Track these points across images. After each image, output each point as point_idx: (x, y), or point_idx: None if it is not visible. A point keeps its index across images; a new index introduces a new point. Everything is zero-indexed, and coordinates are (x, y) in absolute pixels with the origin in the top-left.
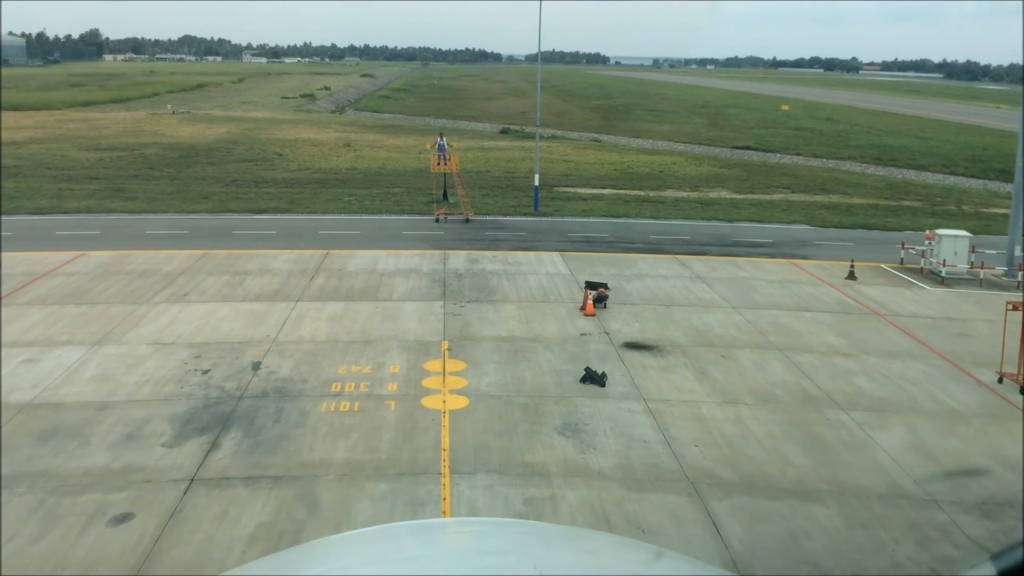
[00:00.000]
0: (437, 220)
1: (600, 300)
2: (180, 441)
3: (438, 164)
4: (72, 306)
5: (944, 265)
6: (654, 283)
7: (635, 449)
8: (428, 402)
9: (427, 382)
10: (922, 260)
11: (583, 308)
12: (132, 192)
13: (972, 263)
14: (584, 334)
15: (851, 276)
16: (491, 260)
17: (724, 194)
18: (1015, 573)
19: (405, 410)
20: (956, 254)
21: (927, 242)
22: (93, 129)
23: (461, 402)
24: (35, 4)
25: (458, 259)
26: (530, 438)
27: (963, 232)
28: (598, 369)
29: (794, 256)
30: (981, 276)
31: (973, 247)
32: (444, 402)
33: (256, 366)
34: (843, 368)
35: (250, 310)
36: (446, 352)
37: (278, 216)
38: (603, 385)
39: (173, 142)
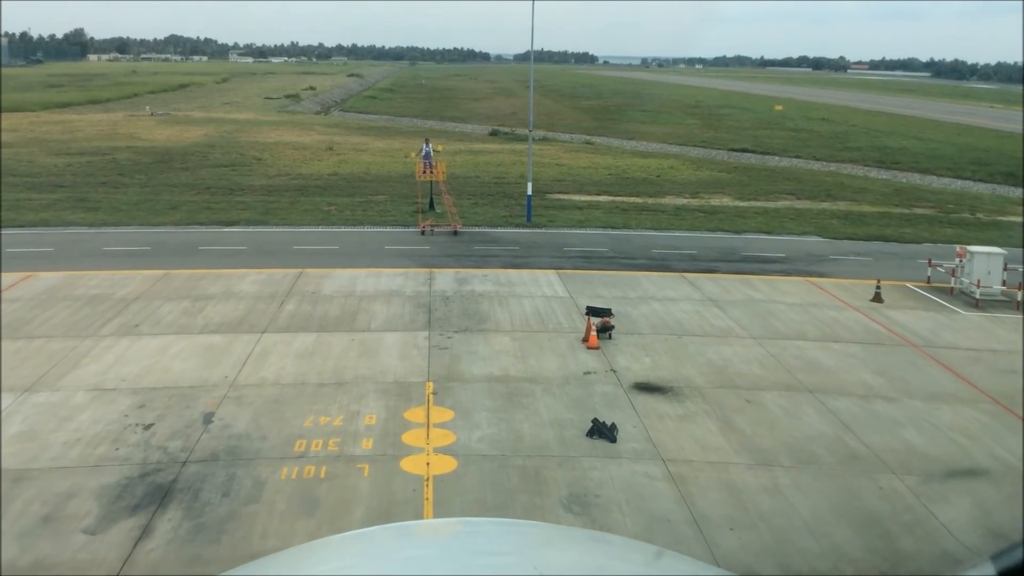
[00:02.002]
0: (423, 233)
1: (604, 330)
2: (106, 525)
3: (424, 172)
4: (7, 341)
5: (979, 286)
6: (662, 307)
7: (658, 531)
8: (409, 464)
9: (408, 437)
10: (952, 279)
11: (586, 340)
12: (96, 202)
13: (1005, 282)
14: (588, 372)
15: (877, 298)
16: (481, 280)
17: (726, 201)
18: (1015, 573)
19: (381, 476)
20: (990, 273)
21: (957, 260)
22: (66, 132)
23: (448, 464)
24: (20, 4)
25: (445, 279)
26: (531, 516)
27: (997, 249)
28: (607, 420)
29: (811, 273)
30: (1019, 298)
31: (1006, 264)
32: (428, 464)
33: (208, 418)
34: (886, 417)
35: (208, 345)
36: (431, 397)
37: (250, 229)
38: (614, 440)
39: (148, 146)
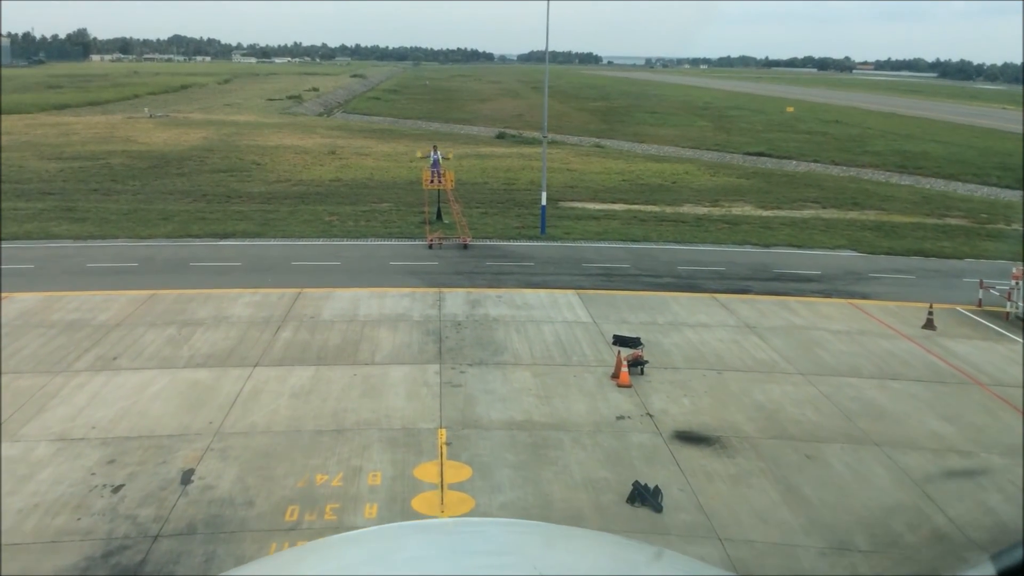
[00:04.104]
0: (430, 246)
1: (636, 364)
2: None
3: (431, 181)
4: None
5: None
6: (695, 335)
7: None
8: None
9: (419, 503)
10: (1008, 304)
11: (616, 376)
12: (84, 212)
13: None
14: (621, 417)
15: (929, 325)
16: (495, 302)
17: (748, 209)
18: (1015, 573)
19: None
20: None
21: (1013, 281)
22: (61, 135)
23: None
24: (23, 4)
25: (456, 300)
26: None
27: None
28: (649, 481)
29: (852, 295)
30: None
31: None
32: None
33: (187, 477)
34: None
35: (193, 382)
36: (444, 449)
37: (246, 242)
38: (659, 509)
39: (144, 150)
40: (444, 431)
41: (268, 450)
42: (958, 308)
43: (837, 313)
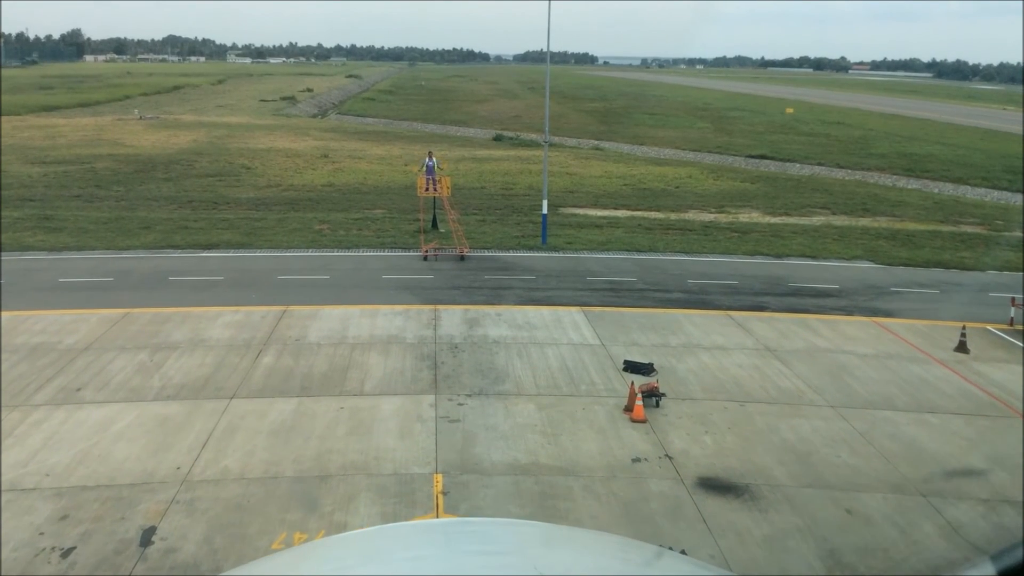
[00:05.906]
0: (425, 257)
1: (651, 396)
2: None
3: (426, 189)
4: None
5: None
6: (712, 359)
7: None
8: None
9: None
10: None
11: (629, 409)
12: (62, 221)
13: None
14: (637, 459)
15: (961, 348)
16: (495, 321)
17: (756, 216)
18: (1015, 573)
19: None
20: None
21: None
22: (48, 138)
23: None
24: (17, 4)
25: (453, 319)
26: None
27: None
28: (673, 543)
29: (874, 312)
30: None
31: None
32: None
33: (147, 537)
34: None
35: (162, 418)
36: (440, 500)
37: (231, 253)
38: None
39: (131, 153)
40: (440, 477)
41: (241, 502)
42: (989, 327)
43: (862, 333)
